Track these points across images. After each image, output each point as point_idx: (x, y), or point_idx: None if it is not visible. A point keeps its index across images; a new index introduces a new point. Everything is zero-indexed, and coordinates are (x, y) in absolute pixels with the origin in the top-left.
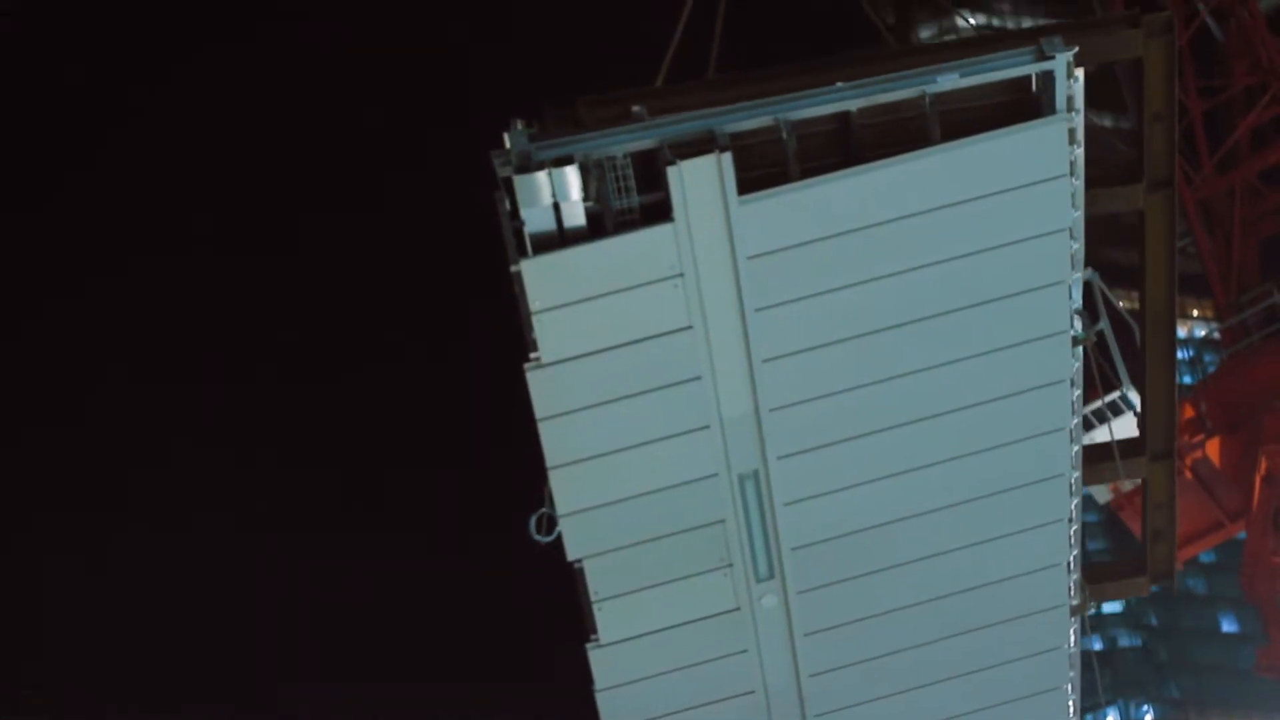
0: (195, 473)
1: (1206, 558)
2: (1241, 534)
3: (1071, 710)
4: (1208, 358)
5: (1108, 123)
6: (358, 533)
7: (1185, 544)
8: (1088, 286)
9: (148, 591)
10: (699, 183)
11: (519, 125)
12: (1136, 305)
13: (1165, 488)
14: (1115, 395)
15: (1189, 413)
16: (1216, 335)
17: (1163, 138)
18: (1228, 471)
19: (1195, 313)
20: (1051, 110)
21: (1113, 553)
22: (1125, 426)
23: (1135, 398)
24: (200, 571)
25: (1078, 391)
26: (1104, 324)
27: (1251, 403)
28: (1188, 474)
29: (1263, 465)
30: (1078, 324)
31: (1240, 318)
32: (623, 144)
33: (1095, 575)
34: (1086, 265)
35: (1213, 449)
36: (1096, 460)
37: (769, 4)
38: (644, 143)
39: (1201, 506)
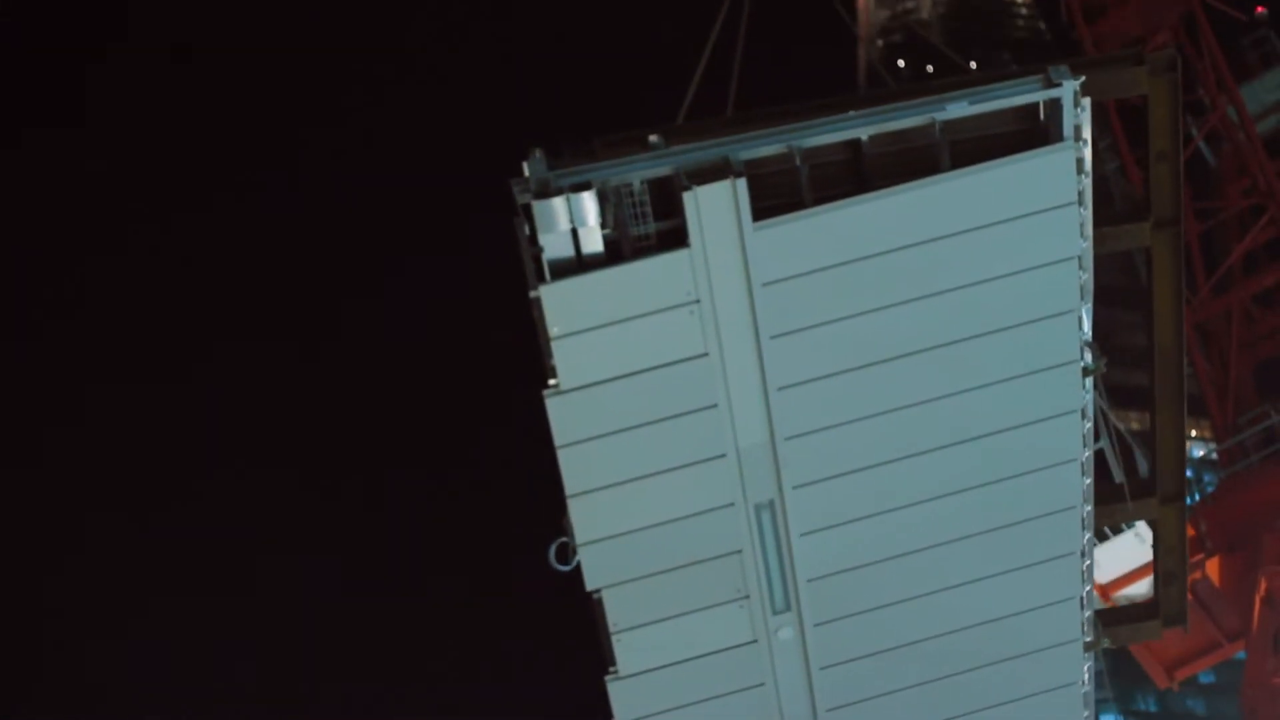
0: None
1: (1206, 678)
2: (1241, 654)
3: None
4: (1206, 478)
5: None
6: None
7: (1184, 663)
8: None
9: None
10: (714, 208)
11: (537, 153)
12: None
13: (1176, 530)
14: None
15: (1189, 532)
16: (1214, 456)
17: (1168, 175)
18: (1227, 592)
19: (1194, 433)
20: (1059, 138)
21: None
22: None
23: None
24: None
25: (1088, 424)
26: (1104, 443)
27: (1251, 523)
28: (1187, 594)
29: (1262, 586)
30: (1088, 355)
31: (1238, 439)
32: (639, 171)
33: (1109, 619)
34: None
35: (1212, 569)
36: (1107, 502)
37: (783, 61)
38: (660, 170)
39: (1201, 626)
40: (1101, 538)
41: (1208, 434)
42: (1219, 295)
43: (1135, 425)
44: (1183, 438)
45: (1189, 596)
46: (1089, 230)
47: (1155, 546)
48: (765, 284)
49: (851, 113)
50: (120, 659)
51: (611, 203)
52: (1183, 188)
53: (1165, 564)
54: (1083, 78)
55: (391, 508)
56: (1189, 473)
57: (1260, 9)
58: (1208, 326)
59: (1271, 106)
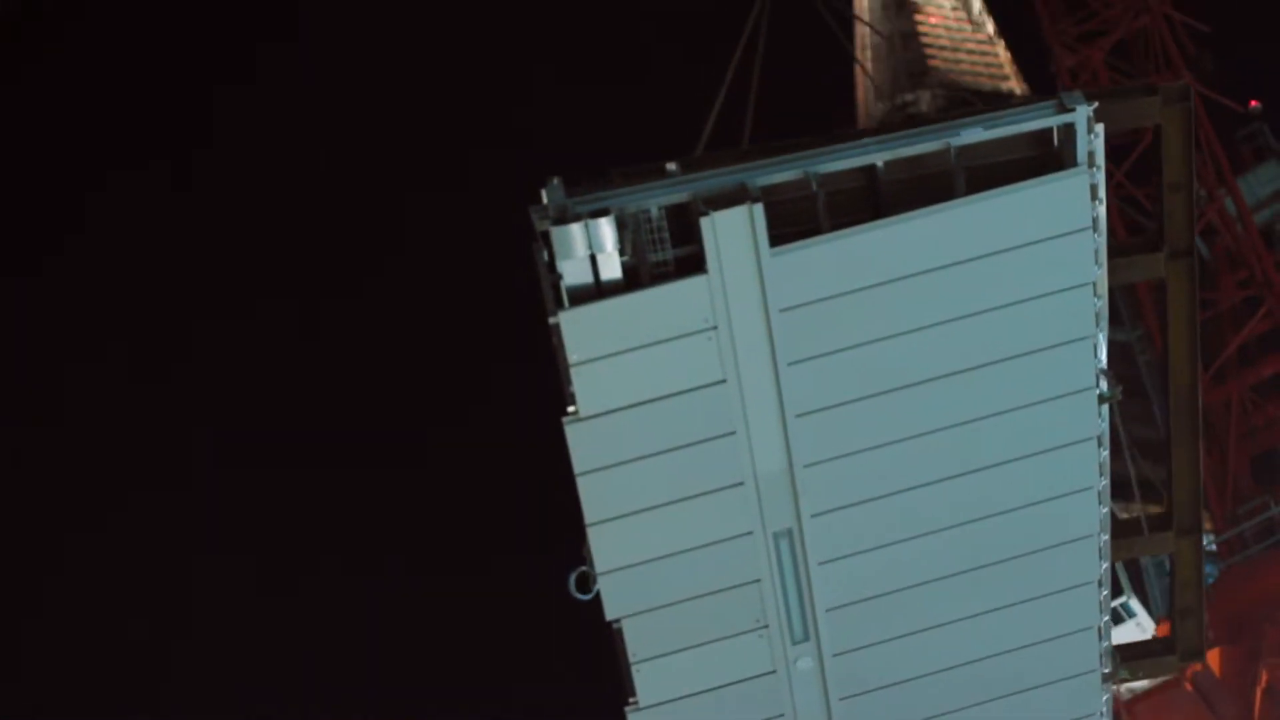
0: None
1: None
2: None
3: None
4: (1207, 569)
5: None
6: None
7: None
8: None
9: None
10: (731, 234)
11: (555, 181)
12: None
13: (1193, 564)
14: (1118, 603)
15: None
16: (1214, 548)
17: (1182, 206)
18: (1228, 683)
19: None
20: (1074, 163)
21: None
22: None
23: (1138, 607)
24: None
25: (1105, 452)
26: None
27: (1251, 615)
28: (1188, 685)
29: (1264, 678)
30: (1103, 383)
31: (1238, 530)
32: (657, 198)
33: (1126, 654)
34: None
35: (1213, 660)
36: (1123, 535)
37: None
38: (678, 196)
39: (1201, 718)
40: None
41: (1207, 526)
42: (1217, 386)
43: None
44: (1199, 471)
45: (1188, 688)
46: (1103, 258)
47: (1171, 581)
48: (782, 310)
49: (866, 140)
50: (102, 654)
51: (630, 229)
52: (1195, 220)
53: (1182, 599)
54: (1096, 103)
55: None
56: None
57: (1254, 102)
58: (1205, 417)
59: (1265, 200)
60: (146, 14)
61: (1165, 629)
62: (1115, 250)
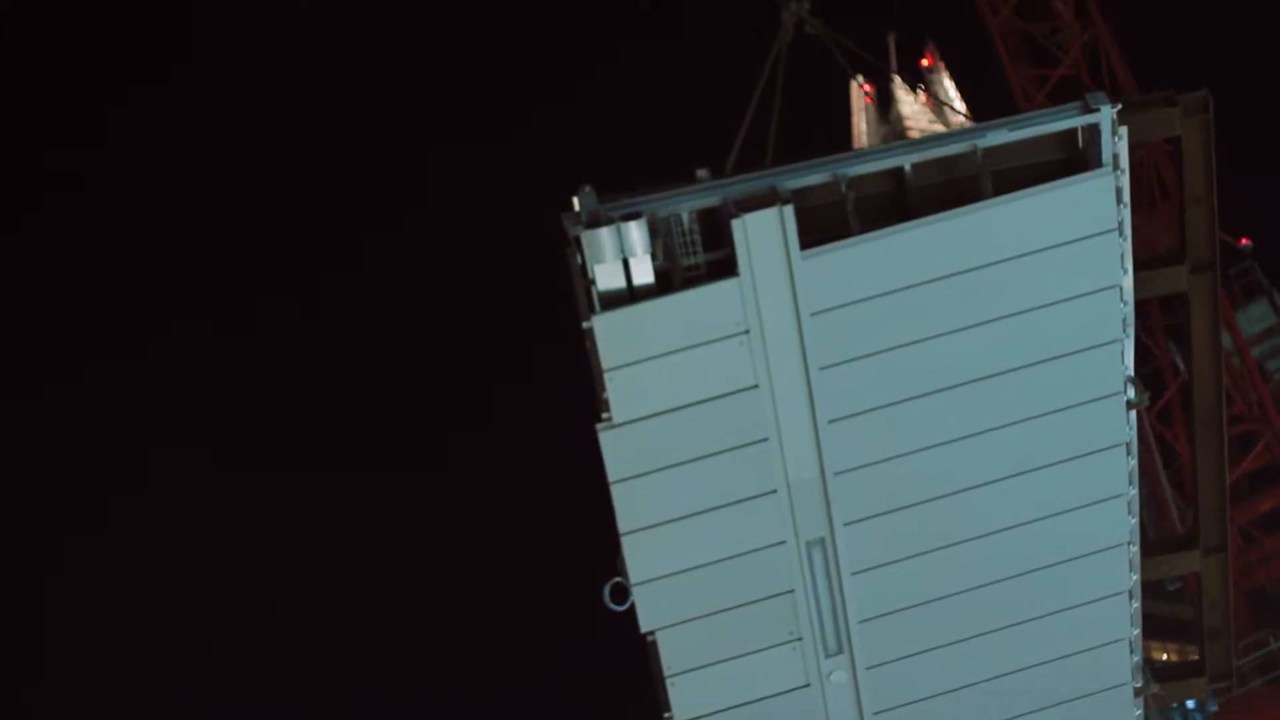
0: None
1: None
2: None
3: None
4: (1212, 709)
5: None
6: None
7: None
8: None
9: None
10: (762, 236)
11: (587, 188)
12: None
13: (1220, 584)
14: None
15: None
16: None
17: (1204, 219)
18: None
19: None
20: (1099, 165)
21: None
22: None
23: None
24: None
25: (1133, 461)
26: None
27: None
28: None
29: None
30: (1131, 390)
31: (1238, 664)
32: (688, 203)
33: (1155, 676)
34: None
35: None
36: (1148, 555)
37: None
38: (708, 200)
39: None
40: None
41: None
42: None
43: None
44: (1224, 488)
45: None
46: (1129, 263)
47: (1199, 602)
48: (813, 314)
49: (894, 144)
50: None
51: (661, 234)
52: (1218, 237)
53: (1210, 620)
54: (1119, 105)
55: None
56: (1190, 703)
57: (1244, 240)
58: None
59: (1255, 338)
60: None
61: None
62: (1138, 264)
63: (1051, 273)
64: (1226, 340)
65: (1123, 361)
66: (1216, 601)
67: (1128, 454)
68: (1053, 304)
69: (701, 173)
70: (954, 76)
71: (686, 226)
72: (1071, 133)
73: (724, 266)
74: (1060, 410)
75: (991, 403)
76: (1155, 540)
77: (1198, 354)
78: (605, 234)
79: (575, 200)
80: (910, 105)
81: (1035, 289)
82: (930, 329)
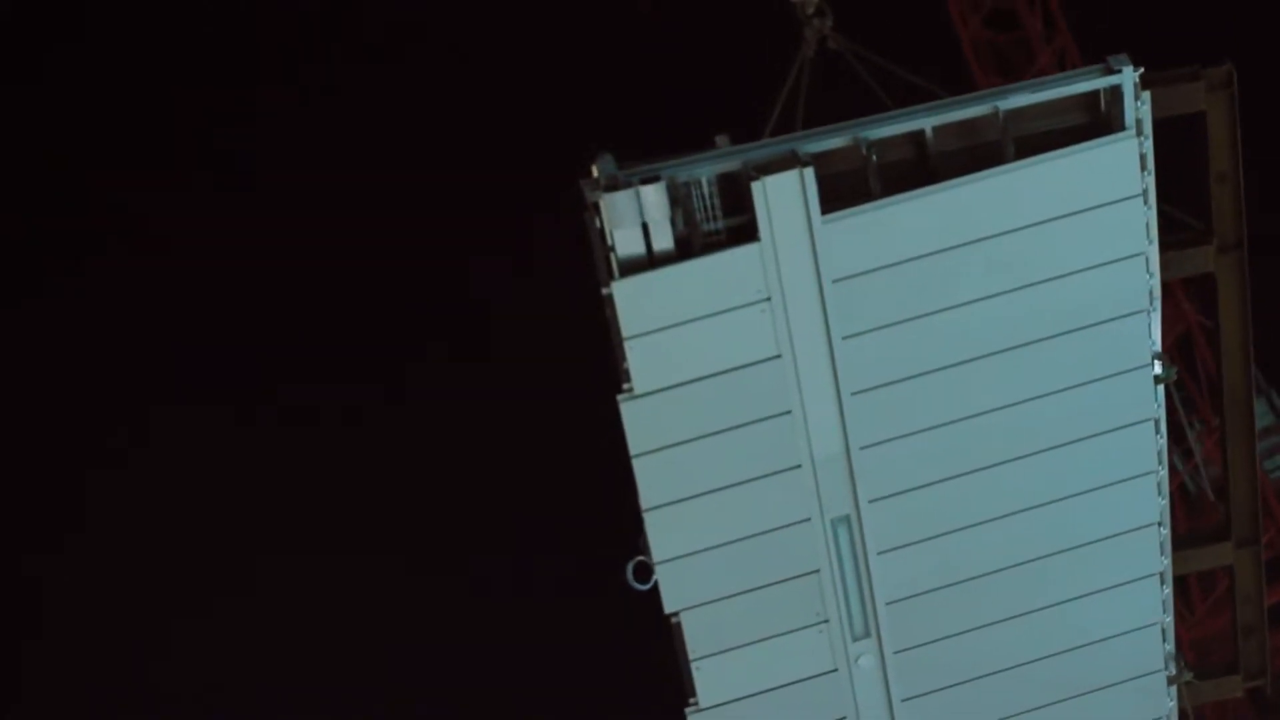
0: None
1: None
2: None
3: None
4: None
5: None
6: None
7: None
8: None
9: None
10: (782, 199)
11: (606, 154)
12: None
13: (1253, 577)
14: None
15: None
16: None
17: (1230, 197)
18: None
19: None
20: (1121, 128)
21: None
22: None
23: None
24: None
25: (1162, 440)
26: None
27: None
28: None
29: None
30: (1159, 365)
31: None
32: (708, 168)
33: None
34: None
35: None
36: (1178, 549)
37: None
38: (728, 165)
39: None
40: None
41: None
42: (1215, 616)
43: None
44: (1255, 475)
45: None
46: (1154, 232)
47: (1231, 597)
48: (835, 280)
49: (916, 107)
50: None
51: (681, 201)
52: (1244, 215)
53: (1243, 615)
54: (1141, 68)
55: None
56: None
57: None
58: (1203, 646)
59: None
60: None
61: None
62: (1163, 245)
63: (1076, 239)
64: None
65: (1150, 335)
66: (1250, 597)
67: (1156, 431)
68: (1078, 272)
69: (721, 138)
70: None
71: (706, 192)
72: (1094, 97)
73: (744, 232)
74: (1087, 384)
75: (1016, 375)
76: (1186, 533)
77: (1226, 337)
78: (624, 197)
79: (594, 167)
80: None
81: (1060, 256)
82: (953, 297)
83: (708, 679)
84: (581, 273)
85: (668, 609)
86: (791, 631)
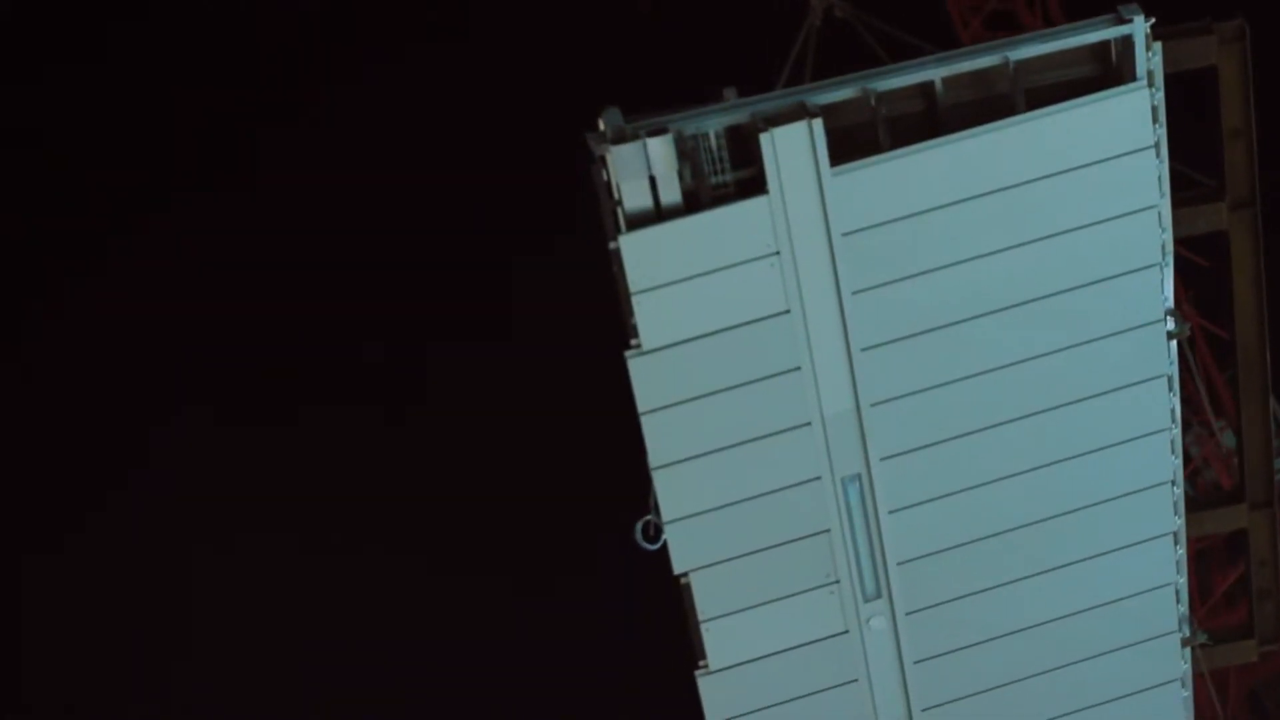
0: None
1: None
2: None
3: None
4: None
5: None
6: None
7: None
8: None
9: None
10: (791, 150)
11: (613, 108)
12: None
13: (1268, 541)
14: None
15: None
16: None
17: (1243, 153)
18: None
19: None
20: (1133, 79)
21: None
22: None
23: None
24: None
25: (1175, 397)
26: None
27: None
28: None
29: None
30: (1172, 321)
31: None
32: (715, 120)
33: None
34: None
35: None
36: (1192, 510)
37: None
38: (736, 117)
39: None
40: None
41: None
42: (1213, 618)
43: None
44: (1270, 438)
45: None
46: (1166, 186)
47: (1247, 560)
48: (845, 234)
49: (924, 58)
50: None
51: (689, 154)
52: (1257, 172)
53: (1259, 580)
54: (1153, 19)
55: None
56: None
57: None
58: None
59: None
60: None
61: None
62: (1175, 202)
63: (1087, 192)
64: (1229, 439)
65: (1162, 291)
66: (1265, 560)
67: (1169, 388)
68: (1089, 225)
69: (728, 91)
70: None
71: (714, 144)
72: (1105, 48)
73: (753, 185)
74: (1099, 339)
75: (1027, 330)
76: (1199, 495)
77: (1239, 295)
78: (631, 150)
79: (600, 120)
80: None
81: (1071, 209)
82: (964, 251)
83: (717, 641)
84: (598, 269)
85: (677, 569)
86: (802, 592)
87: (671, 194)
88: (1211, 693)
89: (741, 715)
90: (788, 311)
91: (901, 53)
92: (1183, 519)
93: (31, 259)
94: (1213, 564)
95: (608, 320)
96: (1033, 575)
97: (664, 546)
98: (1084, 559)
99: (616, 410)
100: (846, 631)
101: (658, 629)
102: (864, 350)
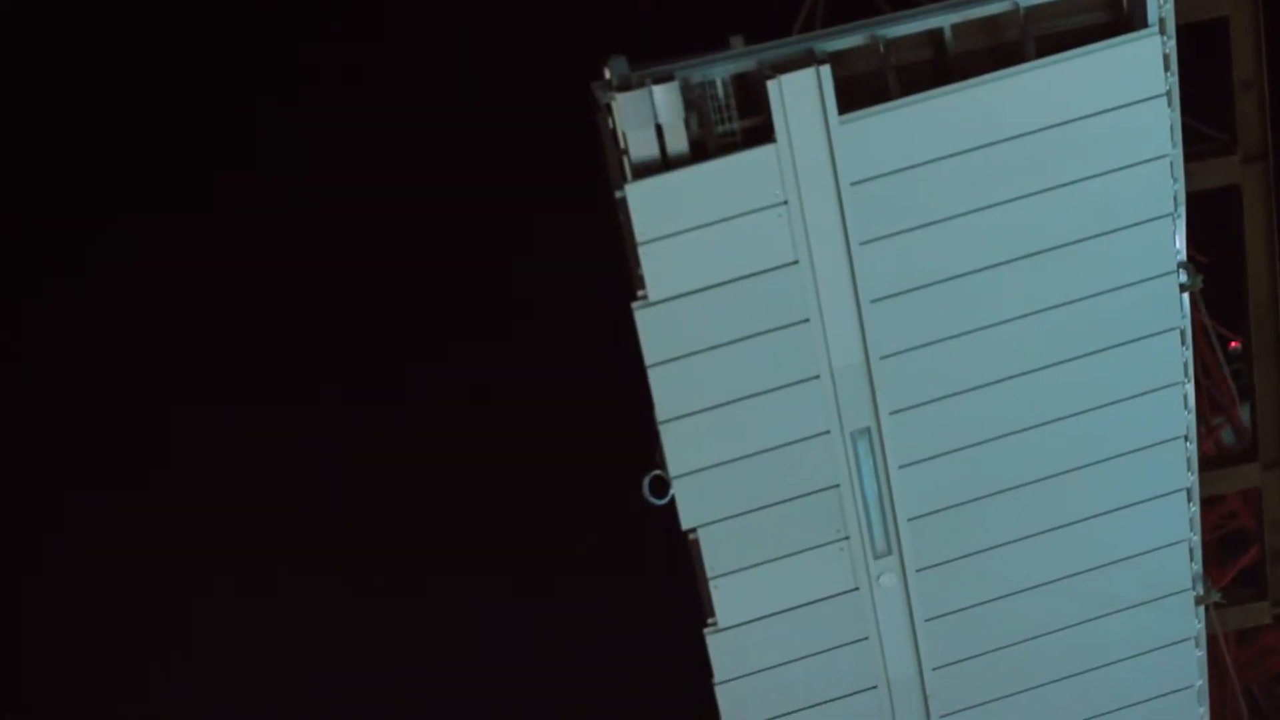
0: None
1: None
2: None
3: (1200, 710)
4: None
5: None
6: None
7: None
8: None
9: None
10: (799, 98)
11: (619, 57)
12: None
13: None
14: None
15: None
16: None
17: (1254, 106)
18: None
19: None
20: (1144, 26)
21: None
22: None
23: None
24: None
25: (1188, 351)
26: None
27: None
28: None
29: None
30: (1184, 274)
31: None
32: (722, 67)
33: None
34: None
35: None
36: (1204, 469)
37: None
38: (743, 64)
39: None
40: None
41: None
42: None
43: None
44: None
45: None
46: (1178, 136)
47: (1260, 521)
48: (853, 183)
49: (933, 5)
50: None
51: (695, 104)
52: (1270, 125)
53: (1273, 541)
54: None
55: None
56: None
57: (1234, 344)
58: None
59: None
60: None
61: None
62: (1187, 156)
63: (1098, 141)
64: (1228, 435)
65: (1174, 242)
66: (1278, 522)
67: (1181, 341)
68: (1100, 175)
69: (735, 39)
70: None
71: (721, 93)
72: None
73: (760, 134)
74: (1110, 291)
75: (1038, 281)
76: (1212, 455)
77: (1251, 251)
78: (637, 98)
79: (606, 68)
80: None
81: (1082, 158)
82: (973, 201)
83: (726, 598)
84: (606, 268)
85: (685, 524)
86: (811, 549)
87: (678, 142)
88: (1224, 651)
89: (750, 673)
90: (796, 262)
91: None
92: (1195, 475)
93: (31, 259)
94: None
95: (606, 321)
96: (1044, 532)
97: (671, 502)
98: (1096, 515)
99: (616, 411)
100: (856, 588)
101: (658, 628)
102: (873, 302)
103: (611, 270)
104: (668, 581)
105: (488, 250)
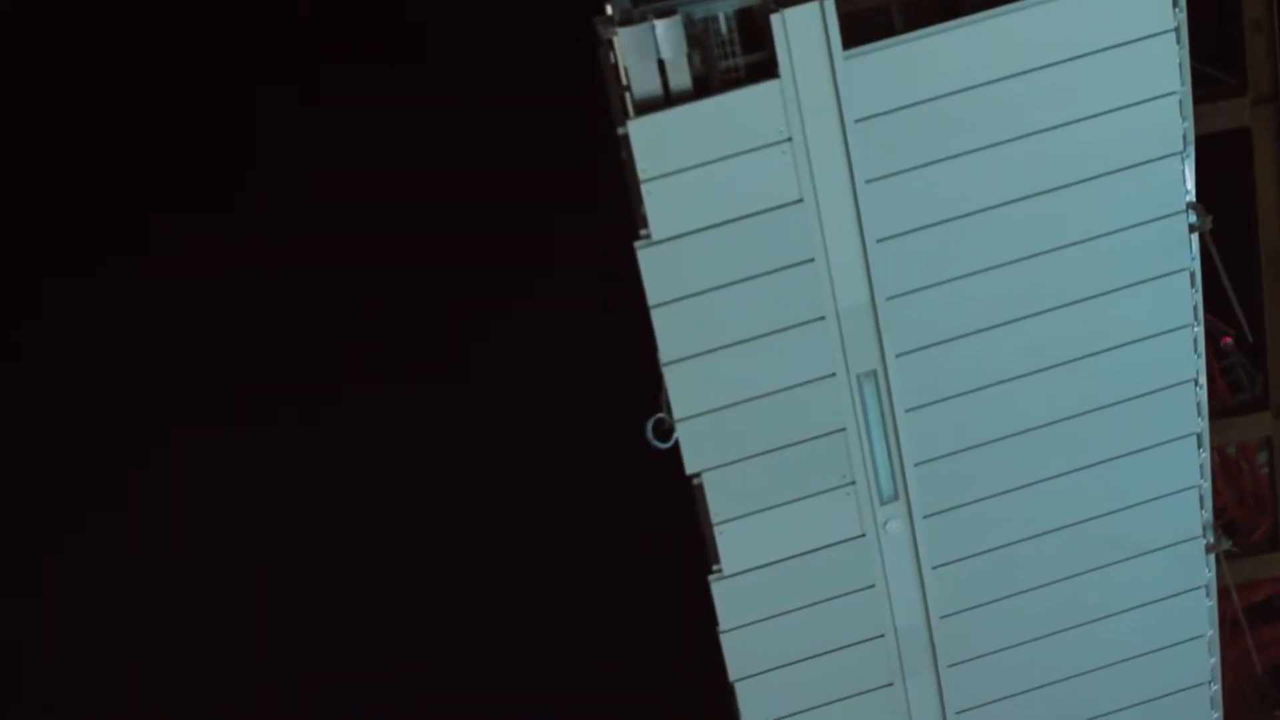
0: None
1: None
2: None
3: (1211, 661)
4: None
5: None
6: None
7: None
8: None
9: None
10: (803, 33)
11: None
12: None
13: None
14: None
15: None
16: None
17: (1264, 46)
18: None
19: None
20: None
21: None
22: None
23: None
24: None
25: (1198, 293)
26: None
27: None
28: None
29: None
30: (1193, 215)
31: None
32: (725, 2)
33: (1231, 556)
34: None
35: None
36: (1215, 417)
37: None
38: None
39: None
40: None
41: None
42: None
43: None
44: None
45: None
46: (1187, 74)
47: (1271, 468)
48: (858, 120)
49: None
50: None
51: (698, 36)
52: None
53: None
54: None
55: None
56: None
57: (1226, 339)
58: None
59: None
60: None
61: None
62: (1196, 99)
63: (1107, 77)
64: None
65: (1183, 182)
66: None
67: (1191, 283)
68: (1108, 112)
69: None
70: None
71: (724, 27)
72: None
73: (764, 69)
74: (1118, 231)
75: (1045, 221)
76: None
77: (1262, 193)
78: (638, 32)
79: (608, 4)
80: None
81: (1090, 95)
82: (980, 139)
83: (731, 544)
84: (608, 272)
85: (689, 469)
86: (817, 494)
87: (681, 78)
88: (1235, 604)
89: (755, 621)
90: (800, 201)
91: None
92: (1206, 421)
93: (31, 259)
94: None
95: (607, 322)
96: (1053, 477)
97: (675, 446)
98: (1105, 460)
99: (617, 415)
100: (863, 535)
101: (660, 630)
102: (879, 242)
103: (612, 270)
104: (669, 574)
105: (487, 250)
